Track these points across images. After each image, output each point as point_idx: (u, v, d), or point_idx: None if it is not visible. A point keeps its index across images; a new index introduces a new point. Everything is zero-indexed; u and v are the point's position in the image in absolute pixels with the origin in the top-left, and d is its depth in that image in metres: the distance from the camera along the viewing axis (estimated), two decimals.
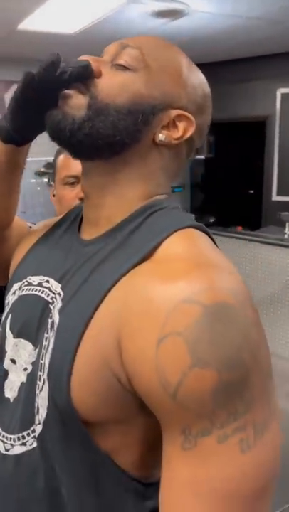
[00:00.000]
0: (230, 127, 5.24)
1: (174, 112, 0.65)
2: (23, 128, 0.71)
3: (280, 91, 5.00)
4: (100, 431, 0.60)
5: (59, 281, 0.68)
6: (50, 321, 0.65)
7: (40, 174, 4.70)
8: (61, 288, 0.67)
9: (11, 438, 0.66)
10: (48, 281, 0.70)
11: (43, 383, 0.62)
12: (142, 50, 0.65)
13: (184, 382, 0.50)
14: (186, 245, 0.59)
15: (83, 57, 0.64)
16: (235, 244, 3.95)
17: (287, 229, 3.97)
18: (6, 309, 0.76)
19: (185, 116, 0.66)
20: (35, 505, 0.64)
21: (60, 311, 0.64)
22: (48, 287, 0.69)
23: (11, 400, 0.68)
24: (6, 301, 0.77)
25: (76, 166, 1.16)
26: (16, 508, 0.66)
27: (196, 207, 5.76)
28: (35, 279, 0.72)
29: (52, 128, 0.65)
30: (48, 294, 0.68)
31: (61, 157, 1.26)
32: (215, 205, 5.67)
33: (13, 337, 0.71)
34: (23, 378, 0.67)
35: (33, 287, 0.71)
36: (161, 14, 3.34)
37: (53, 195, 1.31)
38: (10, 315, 0.73)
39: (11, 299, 0.75)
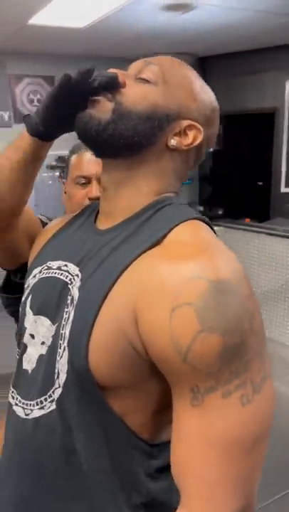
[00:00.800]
0: (238, 119, 5.23)
1: (186, 122, 0.75)
2: (51, 125, 0.79)
3: None
4: (113, 395, 0.69)
5: (77, 265, 0.76)
6: (69, 297, 0.73)
7: (52, 168, 4.75)
8: (79, 270, 0.75)
9: (30, 404, 0.75)
10: (66, 265, 0.78)
11: (64, 350, 0.71)
12: (162, 68, 0.75)
13: (193, 346, 0.59)
14: (192, 233, 0.69)
15: (112, 70, 0.74)
16: (244, 236, 3.98)
17: None
18: (26, 291, 0.84)
19: (195, 126, 0.76)
20: (52, 462, 0.73)
21: (80, 289, 0.73)
22: (67, 270, 0.77)
23: (29, 372, 0.77)
24: (26, 285, 0.86)
25: (88, 168, 1.22)
26: (34, 466, 0.74)
27: (204, 199, 5.78)
28: (55, 264, 0.80)
29: (80, 128, 0.74)
30: (67, 276, 0.76)
31: (74, 157, 1.30)
32: (223, 197, 5.68)
33: (33, 314, 0.79)
34: (42, 351, 0.75)
35: (52, 271, 0.80)
36: (169, 8, 3.37)
37: (65, 192, 1.35)
38: (30, 295, 0.82)
39: (31, 281, 0.83)
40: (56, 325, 0.74)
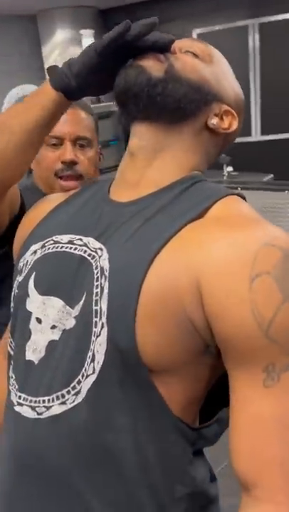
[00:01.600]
0: None
1: (225, 107, 0.74)
2: (87, 81, 0.73)
3: (196, 31, 5.17)
4: (157, 377, 0.63)
5: (97, 239, 0.69)
6: (96, 270, 0.66)
7: None
8: (102, 243, 0.68)
9: (43, 400, 0.66)
10: (80, 239, 0.71)
11: (102, 327, 0.63)
12: (209, 47, 0.76)
13: (277, 317, 0.57)
14: (239, 207, 0.68)
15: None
16: None
17: None
18: (25, 269, 0.74)
19: (232, 113, 0.75)
20: (79, 468, 0.64)
21: (111, 260, 0.66)
22: (85, 244, 0.70)
23: (36, 363, 0.68)
24: (22, 264, 0.76)
25: (59, 127, 1.03)
26: (53, 475, 0.65)
27: None
28: (64, 238, 0.73)
29: (128, 81, 0.69)
30: (85, 251, 0.69)
31: None
32: None
33: (40, 294, 0.71)
34: (52, 336, 0.67)
35: (61, 245, 0.72)
36: None
37: None
38: (33, 273, 0.73)
39: (30, 258, 0.75)
40: (80, 302, 0.66)
